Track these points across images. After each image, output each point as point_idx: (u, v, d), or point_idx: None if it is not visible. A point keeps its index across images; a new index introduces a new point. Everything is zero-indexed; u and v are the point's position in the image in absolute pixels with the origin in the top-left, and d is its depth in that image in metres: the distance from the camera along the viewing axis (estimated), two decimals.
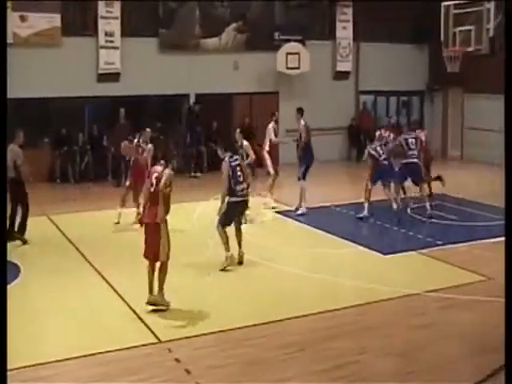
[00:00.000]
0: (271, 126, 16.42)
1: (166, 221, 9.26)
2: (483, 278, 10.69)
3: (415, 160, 15.15)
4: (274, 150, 16.98)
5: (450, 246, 12.62)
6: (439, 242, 12.80)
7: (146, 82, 20.35)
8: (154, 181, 9.26)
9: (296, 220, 14.86)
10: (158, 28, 20.84)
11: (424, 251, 12.30)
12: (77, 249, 12.44)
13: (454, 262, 11.58)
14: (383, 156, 14.96)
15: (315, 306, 9.37)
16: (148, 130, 14.93)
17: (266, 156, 16.38)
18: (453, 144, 25.15)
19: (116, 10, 19.83)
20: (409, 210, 15.59)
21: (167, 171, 9.27)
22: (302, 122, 15.70)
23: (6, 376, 6.00)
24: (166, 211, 9.25)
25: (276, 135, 16.46)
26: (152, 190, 9.26)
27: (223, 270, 11.03)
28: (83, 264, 11.56)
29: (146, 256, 9.32)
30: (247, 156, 13.94)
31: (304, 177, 15.52)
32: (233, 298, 9.89)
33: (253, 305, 9.51)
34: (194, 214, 15.10)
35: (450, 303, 9.65)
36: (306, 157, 15.59)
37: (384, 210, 15.71)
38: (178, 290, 9.82)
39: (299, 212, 15.39)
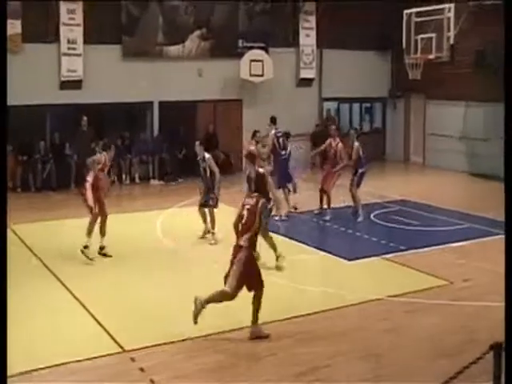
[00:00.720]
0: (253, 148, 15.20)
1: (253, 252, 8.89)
2: (445, 282, 10.81)
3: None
4: None
5: (412, 251, 12.75)
6: (402, 247, 12.92)
7: (109, 89, 20.24)
8: (246, 213, 8.83)
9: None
10: (121, 35, 20.73)
11: (387, 256, 12.40)
12: (39, 259, 12.29)
13: (416, 266, 11.70)
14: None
15: (282, 313, 9.36)
16: (104, 141, 14.50)
17: None
18: (415, 150, 25.43)
19: (78, 16, 19.68)
20: (372, 216, 15.74)
21: (261, 202, 8.89)
22: (272, 131, 16.07)
23: (6, 376, 5.93)
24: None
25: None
26: (243, 222, 8.81)
27: None
28: (46, 274, 11.42)
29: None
30: (211, 172, 13.24)
31: (281, 186, 15.80)
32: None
33: (220, 311, 9.46)
34: (157, 222, 15.06)
35: (413, 307, 9.74)
36: (279, 166, 15.80)
37: (348, 216, 15.86)
38: (144, 297, 9.76)
39: (277, 218, 15.27)
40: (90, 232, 12.07)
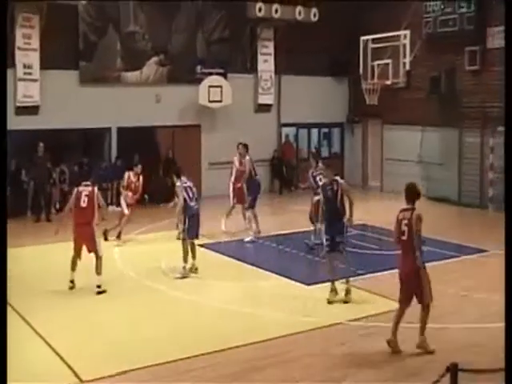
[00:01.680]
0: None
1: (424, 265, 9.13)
2: None
3: None
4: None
5: (370, 275, 12.82)
6: (360, 272, 12.96)
7: (67, 115, 20.06)
8: (406, 228, 8.98)
9: (219, 253, 14.80)
10: (79, 61, 20.63)
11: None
12: None
13: (375, 290, 11.76)
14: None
15: (240, 339, 9.32)
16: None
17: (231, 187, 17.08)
18: (373, 175, 25.66)
19: (35, 41, 19.51)
20: None
21: (415, 215, 9.06)
22: (247, 157, 16.59)
23: (6, 376, 5.78)
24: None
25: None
26: (404, 238, 9.02)
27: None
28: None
29: (401, 301, 9.29)
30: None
31: (252, 206, 16.28)
32: (157, 333, 9.73)
33: (178, 339, 9.39)
34: (115, 250, 14.92)
35: (372, 331, 9.77)
36: (253, 188, 16.44)
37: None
38: (104, 324, 9.62)
39: (248, 239, 15.96)
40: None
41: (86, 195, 11.39)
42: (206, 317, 10.53)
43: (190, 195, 12.98)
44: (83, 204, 11.41)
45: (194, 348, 9.04)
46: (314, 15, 23.65)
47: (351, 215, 11.76)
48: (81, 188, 11.53)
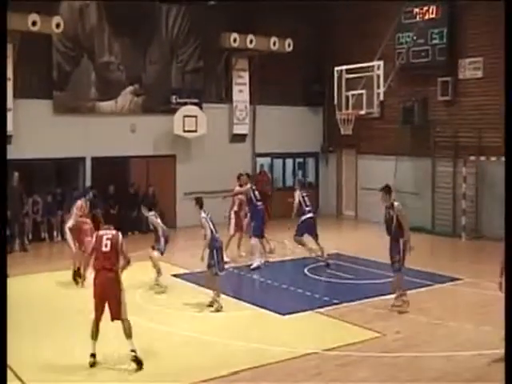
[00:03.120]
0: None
1: None
2: (377, 335, 10.86)
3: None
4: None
5: (345, 304, 12.79)
6: (335, 301, 12.95)
7: (40, 144, 19.93)
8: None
9: (193, 283, 14.69)
10: (53, 90, 20.54)
11: (321, 310, 12.41)
12: None
13: (349, 319, 11.73)
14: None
15: (212, 371, 9.19)
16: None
17: (232, 215, 17.47)
18: (347, 204, 25.75)
19: (8, 70, 19.42)
20: (306, 270, 15.78)
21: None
22: (248, 185, 16.97)
23: (6, 376, 5.64)
24: None
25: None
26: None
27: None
28: None
29: None
30: (155, 230, 14.16)
31: (257, 233, 16.58)
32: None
33: (149, 371, 9.26)
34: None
35: (346, 361, 9.71)
36: (256, 215, 16.75)
37: (282, 270, 15.86)
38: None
39: (254, 265, 16.07)
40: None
41: (108, 239, 9.88)
42: (177, 347, 10.42)
43: (215, 227, 12.68)
44: (105, 248, 9.83)
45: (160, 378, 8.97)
46: (289, 45, 23.84)
47: (405, 237, 12.43)
48: (102, 232, 10.04)
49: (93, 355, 9.46)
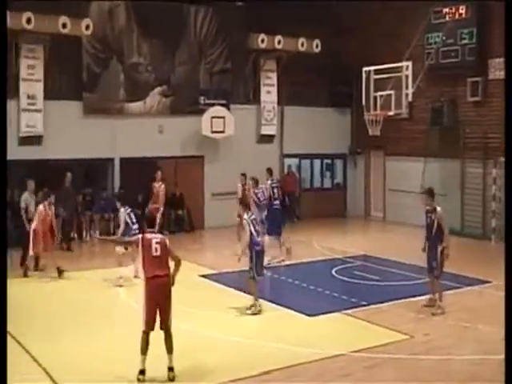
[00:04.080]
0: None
1: None
2: (405, 337, 10.79)
3: None
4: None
5: (373, 306, 12.73)
6: (363, 303, 12.89)
7: (70, 145, 20.13)
8: None
9: (221, 283, 14.73)
10: (82, 91, 20.73)
11: (348, 312, 12.36)
12: None
13: (377, 321, 11.67)
14: None
15: (241, 371, 9.21)
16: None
17: None
18: (375, 206, 25.63)
19: (38, 72, 19.63)
20: (333, 271, 15.74)
21: None
22: (269, 182, 17.25)
23: (6, 376, 5.71)
24: None
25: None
26: None
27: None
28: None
29: None
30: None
31: (271, 232, 16.59)
32: (159, 365, 9.64)
33: (182, 371, 9.27)
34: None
35: (373, 363, 9.67)
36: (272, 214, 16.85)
37: (309, 271, 15.83)
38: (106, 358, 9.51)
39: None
40: None
41: (158, 243, 9.21)
42: (209, 348, 10.44)
43: (257, 229, 12.46)
44: (156, 253, 9.13)
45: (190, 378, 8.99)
46: (317, 46, 23.83)
47: (444, 243, 12.33)
48: (148, 235, 9.27)
49: (142, 372, 8.88)
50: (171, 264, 9.23)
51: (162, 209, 19.66)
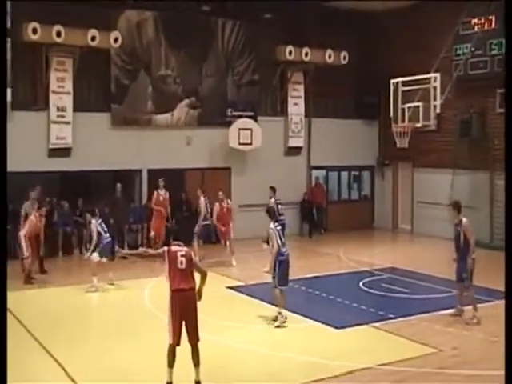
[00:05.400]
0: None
1: None
2: (434, 350, 10.68)
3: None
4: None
5: (401, 319, 12.62)
6: (391, 316, 12.79)
7: (98, 157, 20.28)
8: None
9: (248, 295, 14.71)
10: (110, 103, 20.89)
11: (376, 324, 12.26)
12: (24, 327, 12.11)
13: (405, 334, 11.57)
14: None
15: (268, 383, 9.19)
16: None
17: None
18: (403, 218, 25.46)
19: (68, 84, 19.84)
20: (361, 284, 15.65)
21: None
22: (272, 200, 18.20)
23: (6, 376, 5.75)
24: None
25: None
26: None
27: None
28: (29, 340, 11.28)
29: None
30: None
31: None
32: (180, 374, 9.64)
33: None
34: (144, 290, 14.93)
35: (402, 376, 9.57)
36: None
37: (337, 284, 15.76)
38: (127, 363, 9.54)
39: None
40: None
41: (183, 255, 9.10)
42: (235, 359, 10.43)
43: (282, 239, 12.38)
44: (181, 266, 9.03)
45: None
46: (344, 58, 23.82)
47: (473, 255, 12.48)
48: (174, 248, 9.17)
49: None
50: (197, 277, 9.16)
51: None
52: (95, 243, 15.27)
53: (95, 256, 15.23)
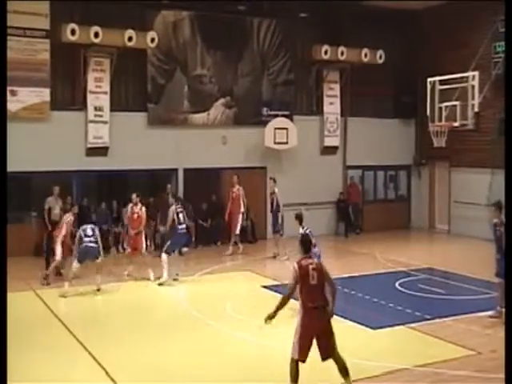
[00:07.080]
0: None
1: None
2: (472, 353, 10.54)
3: None
4: None
5: (437, 320, 12.49)
6: (427, 317, 12.67)
7: (135, 156, 20.43)
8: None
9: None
10: (147, 103, 21.03)
11: (412, 325, 12.15)
12: (63, 324, 12.24)
13: (442, 336, 11.44)
14: None
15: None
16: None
17: None
18: (440, 218, 25.23)
19: (105, 84, 20.03)
20: (397, 284, 15.54)
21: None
22: (276, 190, 19.60)
23: (6, 376, 5.81)
24: None
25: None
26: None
27: None
28: (69, 339, 11.37)
29: None
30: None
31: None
32: (216, 374, 9.66)
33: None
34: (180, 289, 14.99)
35: (439, 378, 9.48)
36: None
37: (373, 284, 15.67)
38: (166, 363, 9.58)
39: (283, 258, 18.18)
40: None
41: (314, 269, 8.48)
42: (270, 360, 10.41)
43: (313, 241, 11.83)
44: (313, 281, 8.44)
45: None
46: (380, 57, 23.68)
47: None
48: (304, 262, 8.52)
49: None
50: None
51: (243, 212, 20.22)
52: (76, 248, 14.85)
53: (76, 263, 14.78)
